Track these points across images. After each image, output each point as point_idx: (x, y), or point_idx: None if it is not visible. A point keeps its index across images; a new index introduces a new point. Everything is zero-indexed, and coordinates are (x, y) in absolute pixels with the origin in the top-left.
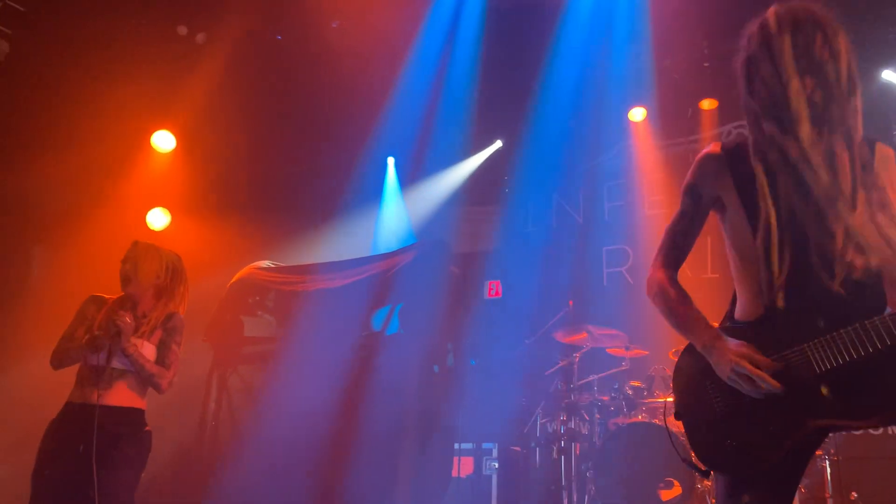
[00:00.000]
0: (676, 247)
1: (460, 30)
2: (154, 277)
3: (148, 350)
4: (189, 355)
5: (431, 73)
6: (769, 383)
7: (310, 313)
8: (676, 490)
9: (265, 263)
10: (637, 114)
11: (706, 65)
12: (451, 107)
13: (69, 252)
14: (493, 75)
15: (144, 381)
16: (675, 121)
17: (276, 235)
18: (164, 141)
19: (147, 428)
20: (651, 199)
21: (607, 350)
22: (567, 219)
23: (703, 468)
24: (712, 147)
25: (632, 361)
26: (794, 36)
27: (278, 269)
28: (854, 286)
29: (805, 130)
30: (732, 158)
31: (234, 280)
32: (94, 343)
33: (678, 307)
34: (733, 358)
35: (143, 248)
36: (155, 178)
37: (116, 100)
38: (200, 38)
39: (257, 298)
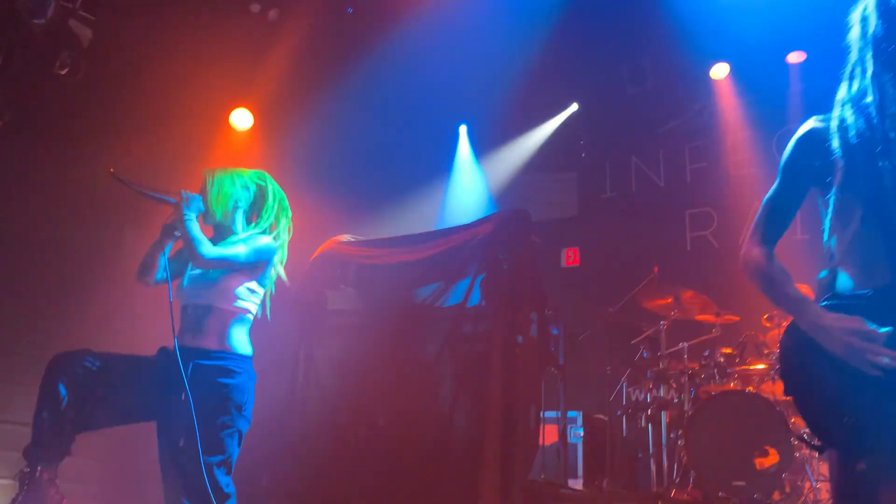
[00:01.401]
0: (774, 223)
1: None
2: (231, 203)
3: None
4: (274, 331)
5: (505, 37)
6: (887, 355)
7: (391, 286)
8: (773, 458)
9: (346, 237)
10: (720, 70)
11: None
12: (525, 71)
13: (157, 234)
14: (569, 36)
15: (186, 246)
16: (760, 76)
17: (352, 210)
18: (241, 119)
19: (238, 376)
20: (736, 159)
21: (696, 317)
22: (647, 182)
23: (818, 444)
24: (813, 122)
25: (722, 328)
26: None
27: (359, 243)
28: None
29: None
30: (836, 134)
31: (315, 254)
32: (166, 229)
33: (778, 286)
34: (843, 336)
35: (212, 174)
36: (233, 157)
37: (196, 80)
38: (273, 14)
39: (339, 272)
